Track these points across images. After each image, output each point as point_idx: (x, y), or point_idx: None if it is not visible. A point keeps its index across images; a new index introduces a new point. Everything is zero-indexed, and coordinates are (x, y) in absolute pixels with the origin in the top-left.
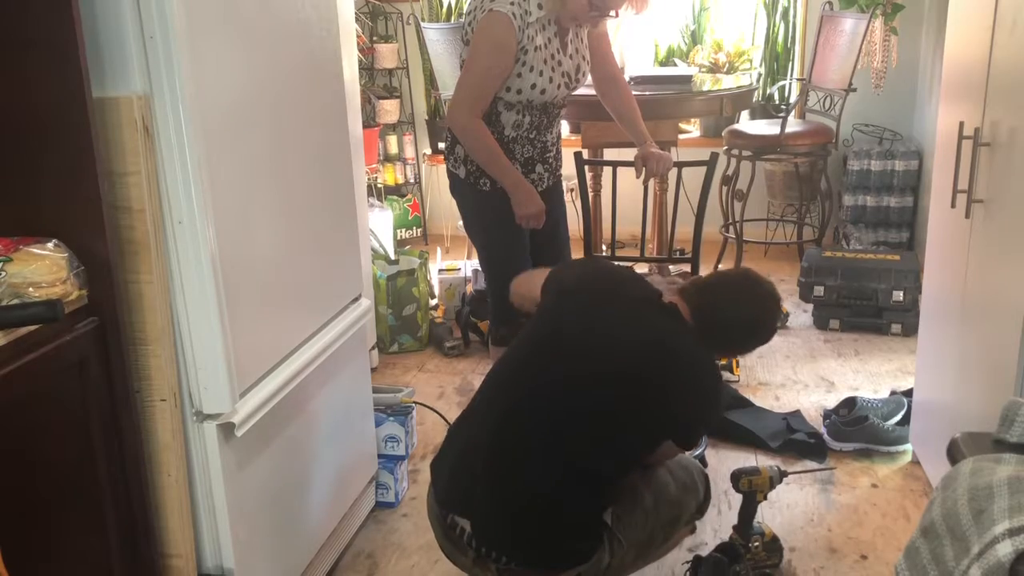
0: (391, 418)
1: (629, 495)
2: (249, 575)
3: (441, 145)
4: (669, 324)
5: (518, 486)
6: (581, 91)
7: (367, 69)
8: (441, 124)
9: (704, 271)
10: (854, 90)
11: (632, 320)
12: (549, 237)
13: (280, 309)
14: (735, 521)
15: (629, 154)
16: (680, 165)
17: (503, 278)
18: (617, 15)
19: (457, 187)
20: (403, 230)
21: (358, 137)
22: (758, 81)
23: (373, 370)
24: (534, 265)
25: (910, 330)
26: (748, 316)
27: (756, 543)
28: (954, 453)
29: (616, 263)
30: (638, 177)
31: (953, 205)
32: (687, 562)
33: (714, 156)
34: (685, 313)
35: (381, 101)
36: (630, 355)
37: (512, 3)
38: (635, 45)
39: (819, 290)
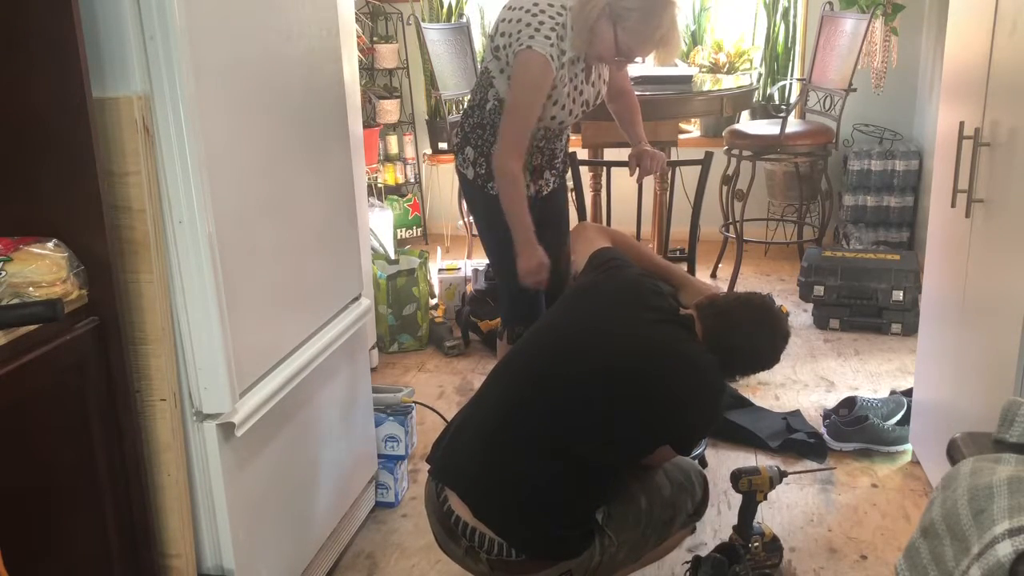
0: (391, 418)
1: (623, 495)
2: (249, 575)
3: (443, 145)
4: (681, 333)
5: (514, 470)
6: None
7: (367, 69)
8: (441, 124)
9: (701, 271)
10: (854, 90)
11: (646, 325)
12: (551, 235)
13: (280, 309)
14: (735, 521)
15: (627, 154)
16: (675, 164)
17: (515, 278)
18: (644, 61)
19: (466, 188)
20: (403, 230)
21: (358, 137)
22: (758, 81)
23: (373, 370)
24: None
25: (910, 330)
26: (759, 349)
27: (756, 543)
28: (954, 453)
29: (642, 273)
30: (632, 175)
31: (953, 205)
32: (687, 562)
33: (709, 155)
34: (698, 330)
35: (381, 101)
36: (638, 356)
37: (551, 44)
38: None
39: (819, 290)
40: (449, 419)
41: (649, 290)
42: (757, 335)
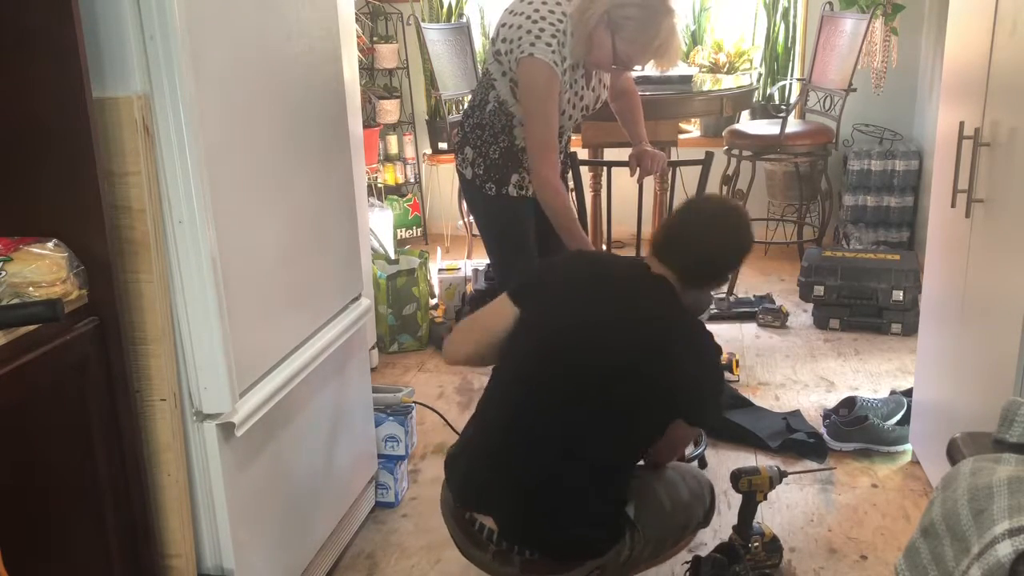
0: (391, 418)
1: (649, 494)
2: (249, 575)
3: (443, 145)
4: (662, 300)
5: (534, 482)
6: None
7: (367, 69)
8: (441, 124)
9: None
10: (854, 90)
11: (625, 304)
12: (553, 239)
13: (280, 309)
14: (735, 521)
15: (627, 154)
16: (676, 164)
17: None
18: (643, 69)
19: (465, 187)
20: (403, 230)
21: (358, 137)
22: (758, 81)
23: (373, 370)
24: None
25: (910, 330)
26: (730, 255)
27: (756, 543)
28: (954, 453)
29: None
30: (632, 175)
31: (953, 205)
32: (687, 562)
33: (709, 155)
34: (670, 277)
35: (381, 101)
36: (630, 341)
37: (553, 51)
38: None
39: (819, 290)
40: (449, 420)
41: (612, 261)
42: (721, 237)
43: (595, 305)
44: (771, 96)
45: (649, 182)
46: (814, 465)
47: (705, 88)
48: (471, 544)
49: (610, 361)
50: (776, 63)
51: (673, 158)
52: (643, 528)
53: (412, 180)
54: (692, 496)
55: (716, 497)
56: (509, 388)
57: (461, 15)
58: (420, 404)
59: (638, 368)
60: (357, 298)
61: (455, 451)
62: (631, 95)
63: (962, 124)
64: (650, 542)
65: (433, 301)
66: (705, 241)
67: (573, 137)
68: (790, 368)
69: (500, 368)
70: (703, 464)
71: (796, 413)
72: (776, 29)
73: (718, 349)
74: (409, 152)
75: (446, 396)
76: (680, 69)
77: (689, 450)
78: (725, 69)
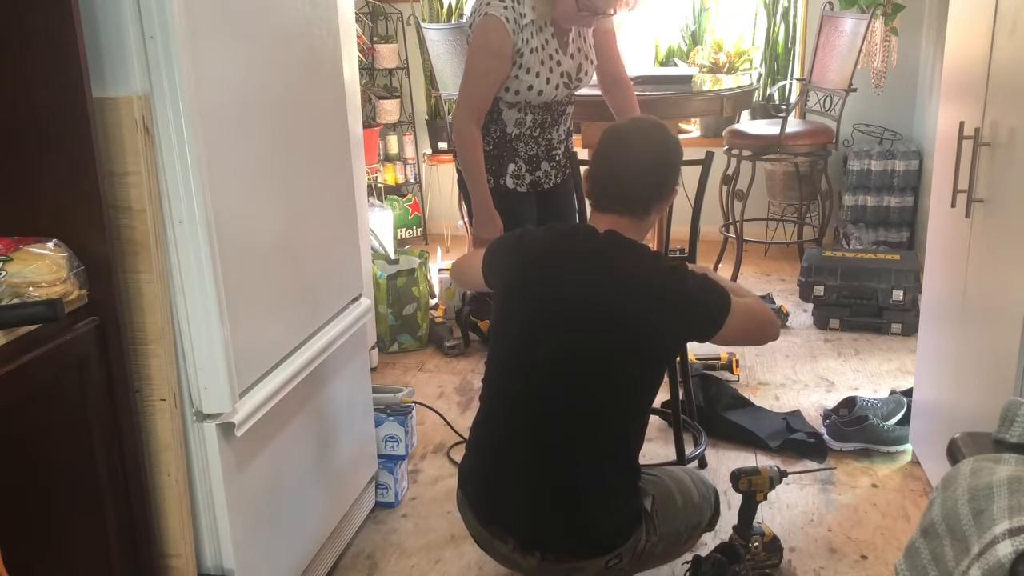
0: (391, 418)
1: (664, 490)
2: (249, 575)
3: (443, 145)
4: (618, 252)
5: (540, 488)
6: (582, 91)
7: (367, 69)
8: (441, 124)
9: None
10: (854, 90)
11: (589, 270)
12: None
13: (280, 309)
14: (735, 521)
15: None
16: None
17: None
18: (615, 13)
19: (462, 183)
20: (403, 230)
21: (358, 137)
22: (758, 81)
23: (373, 370)
24: None
25: (910, 330)
26: (664, 155)
27: (756, 543)
28: (954, 453)
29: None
30: None
31: (953, 205)
32: (687, 562)
33: (709, 155)
34: (620, 223)
35: (381, 101)
36: (609, 304)
37: (506, 7)
38: (635, 45)
39: (819, 290)
40: (449, 420)
41: (569, 239)
42: (657, 156)
43: (566, 277)
44: (771, 96)
45: None
46: (814, 465)
47: (705, 88)
48: (491, 537)
49: (593, 325)
50: (776, 63)
51: None
52: (658, 521)
53: (412, 180)
54: (702, 499)
55: (720, 504)
56: (499, 398)
57: (461, 15)
58: (420, 404)
59: (622, 322)
60: (357, 298)
61: (463, 470)
62: (624, 85)
63: (962, 124)
64: (664, 537)
65: (433, 301)
66: (639, 165)
67: (574, 136)
68: (790, 368)
69: (486, 382)
70: (703, 464)
71: (796, 413)
72: (776, 29)
73: (683, 266)
74: (409, 152)
75: (446, 396)
76: (680, 69)
77: (689, 450)
78: (725, 69)
